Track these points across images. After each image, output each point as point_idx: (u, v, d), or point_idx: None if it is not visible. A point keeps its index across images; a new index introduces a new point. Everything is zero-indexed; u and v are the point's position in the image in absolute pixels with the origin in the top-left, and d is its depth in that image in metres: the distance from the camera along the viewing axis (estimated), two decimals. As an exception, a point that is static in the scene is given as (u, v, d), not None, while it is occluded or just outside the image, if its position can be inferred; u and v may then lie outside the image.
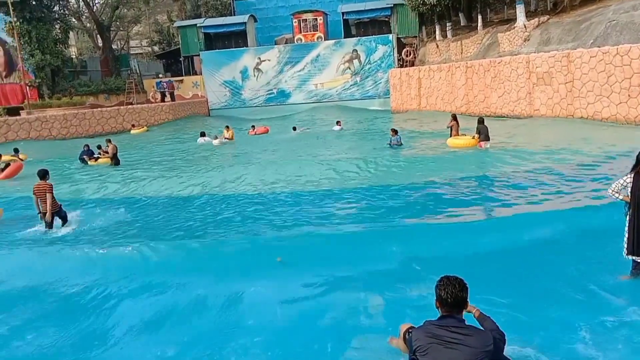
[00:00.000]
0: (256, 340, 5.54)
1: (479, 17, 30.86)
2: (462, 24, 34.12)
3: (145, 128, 32.98)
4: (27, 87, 37.01)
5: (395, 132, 18.24)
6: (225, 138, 24.01)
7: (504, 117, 23.39)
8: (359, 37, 40.18)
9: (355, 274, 6.92)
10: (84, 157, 20.36)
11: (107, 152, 20.01)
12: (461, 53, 31.22)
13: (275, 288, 6.89)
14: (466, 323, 3.49)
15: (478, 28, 30.63)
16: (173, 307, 6.69)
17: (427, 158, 15.64)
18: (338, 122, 24.93)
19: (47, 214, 9.74)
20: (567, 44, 22.14)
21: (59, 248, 8.85)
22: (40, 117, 31.26)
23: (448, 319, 3.47)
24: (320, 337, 5.32)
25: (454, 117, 18.12)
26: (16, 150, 22.09)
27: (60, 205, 10.19)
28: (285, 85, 40.89)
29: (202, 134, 24.53)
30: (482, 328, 3.63)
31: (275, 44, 41.75)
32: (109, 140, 20.20)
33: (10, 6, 33.99)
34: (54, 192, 9.98)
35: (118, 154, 19.53)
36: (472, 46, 30.36)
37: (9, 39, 37.36)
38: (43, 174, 10.01)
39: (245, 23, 40.90)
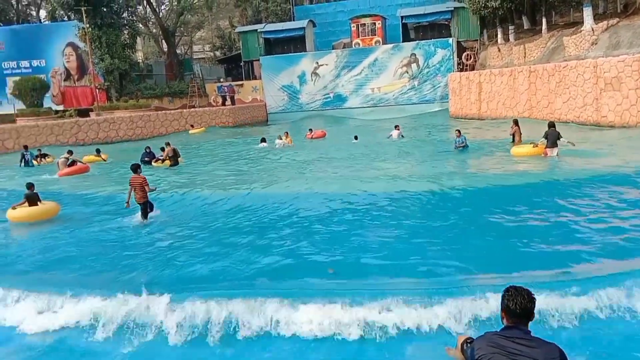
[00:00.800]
0: (312, 345, 5.59)
1: (544, 20, 29.88)
2: (525, 27, 33.14)
3: (203, 128, 33.89)
4: (97, 90, 38.92)
5: (459, 133, 17.89)
6: (284, 144, 24.29)
7: (569, 123, 22.53)
8: (417, 41, 39.80)
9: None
10: (146, 159, 20.38)
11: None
12: (524, 57, 30.32)
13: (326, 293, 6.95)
14: (532, 334, 3.41)
15: (542, 31, 29.65)
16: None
17: (487, 165, 15.26)
18: (396, 127, 24.12)
19: (144, 201, 10.91)
20: (638, 47, 21.08)
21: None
22: (109, 118, 32.78)
23: (513, 329, 3.38)
24: (375, 345, 5.32)
25: (516, 123, 17.60)
26: (98, 151, 23.22)
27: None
28: (342, 89, 41.03)
29: (263, 140, 24.77)
30: (548, 340, 3.53)
31: (333, 49, 42.00)
32: (168, 143, 20.58)
33: (83, 13, 35.93)
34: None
35: (177, 156, 19.77)
36: (535, 50, 29.44)
37: (81, 44, 39.45)
38: (135, 168, 11.10)
39: (304, 28, 41.39)
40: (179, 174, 18.04)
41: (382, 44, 40.03)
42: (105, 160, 22.31)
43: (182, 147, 23.22)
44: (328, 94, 41.29)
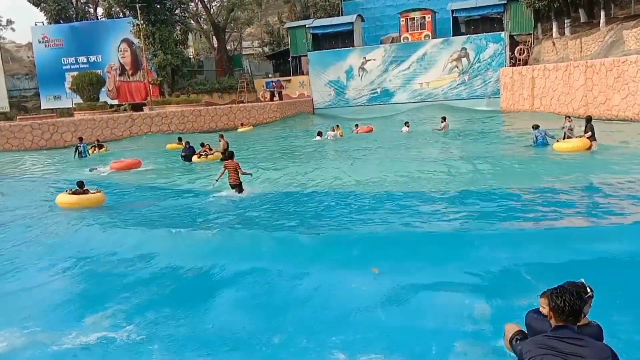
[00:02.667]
0: (358, 337, 5.62)
1: (602, 13, 28.66)
2: (582, 21, 31.88)
3: (251, 127, 34.35)
4: (150, 85, 40.09)
5: (536, 127, 17.16)
6: (335, 135, 24.80)
7: (628, 120, 21.61)
8: (468, 35, 38.98)
9: (459, 278, 6.79)
10: (186, 154, 20.14)
11: (211, 149, 20.05)
12: (580, 51, 29.21)
13: (377, 286, 6.96)
14: (582, 334, 3.33)
15: (600, 25, 28.46)
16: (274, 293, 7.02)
17: (541, 160, 14.87)
18: (443, 119, 23.75)
19: (237, 182, 12.67)
20: None
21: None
22: (161, 113, 33.74)
23: (563, 329, 3.31)
24: (423, 338, 5.29)
25: (568, 118, 17.06)
26: (179, 139, 24.13)
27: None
28: (390, 84, 40.71)
29: (319, 134, 25.05)
30: (598, 340, 3.44)
31: (381, 43, 41.69)
32: (222, 136, 20.67)
33: (137, 10, 37.04)
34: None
35: (228, 150, 19.37)
36: (592, 44, 28.30)
37: (135, 40, 40.69)
38: (231, 155, 13.03)
39: (352, 23, 41.27)
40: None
41: (432, 38, 39.45)
42: (222, 141, 22.93)
43: (234, 143, 23.63)
44: (375, 89, 41.06)
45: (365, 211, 10.67)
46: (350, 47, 41.62)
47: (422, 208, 10.55)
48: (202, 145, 20.48)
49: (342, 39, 42.51)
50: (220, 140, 20.32)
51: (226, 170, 12.58)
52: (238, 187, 12.66)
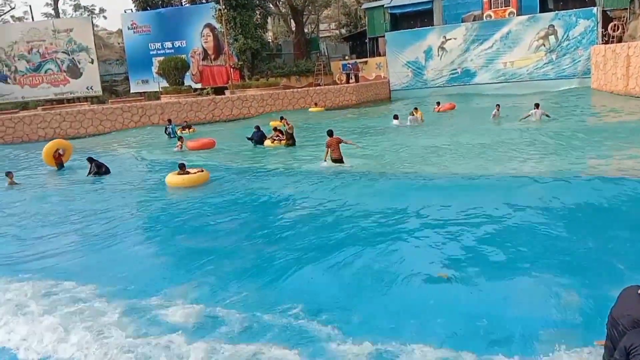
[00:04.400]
0: (439, 321, 5.61)
1: None
2: (688, -9, 29.19)
3: (322, 108, 34.39)
4: (231, 69, 41.18)
5: None
6: (415, 119, 24.08)
7: None
8: (556, 12, 36.79)
9: (548, 261, 6.56)
10: (254, 138, 20.20)
11: (282, 133, 19.74)
12: (685, 25, 26.78)
13: (458, 271, 6.88)
14: None
15: None
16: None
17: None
18: (537, 105, 21.86)
19: (340, 156, 14.02)
20: None
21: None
22: (241, 96, 34.67)
23: None
24: (506, 323, 5.18)
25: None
26: (281, 118, 24.88)
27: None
28: (471, 64, 39.36)
29: (395, 117, 24.61)
30: None
31: (463, 22, 40.28)
32: (283, 119, 20.20)
33: (220, -5, 38.04)
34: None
35: (293, 133, 19.32)
36: (700, 17, 25.86)
37: (217, 25, 41.83)
38: (331, 132, 14.18)
39: (432, 1, 40.16)
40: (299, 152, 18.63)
41: (517, 15, 37.62)
42: (287, 125, 23.52)
43: (305, 125, 23.90)
44: (455, 69, 39.88)
45: (452, 195, 10.53)
46: (430, 27, 40.59)
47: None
48: (275, 129, 20.39)
49: (421, 18, 41.51)
50: (285, 125, 19.82)
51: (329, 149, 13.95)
52: (340, 160, 13.99)
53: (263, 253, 8.29)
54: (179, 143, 21.02)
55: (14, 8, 55.47)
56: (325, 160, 14.06)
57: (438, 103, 27.55)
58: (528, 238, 7.60)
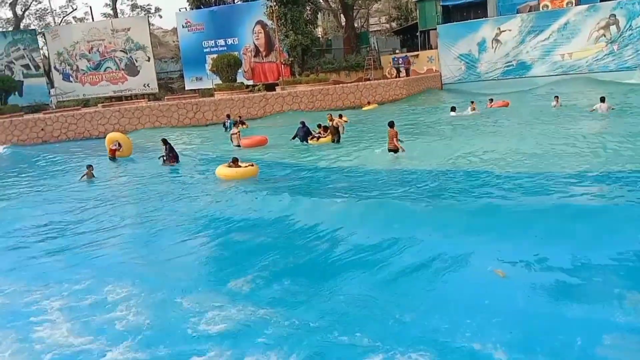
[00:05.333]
0: (494, 321, 5.52)
1: None
2: None
3: (375, 105, 34.20)
4: (282, 65, 41.54)
5: None
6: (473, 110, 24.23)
7: None
8: (618, 0, 35.15)
9: (609, 261, 6.34)
10: (299, 134, 20.10)
11: (326, 130, 19.56)
12: None
13: (515, 268, 6.75)
14: None
15: None
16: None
17: None
18: (602, 99, 20.89)
19: (395, 147, 14.98)
20: None
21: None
22: (292, 92, 34.96)
23: None
24: (567, 328, 5.06)
25: None
26: (340, 116, 25.40)
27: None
28: (526, 56, 38.18)
29: (453, 109, 24.49)
30: None
31: (518, 13, 39.09)
32: (331, 116, 20.11)
33: (271, -8, 38.44)
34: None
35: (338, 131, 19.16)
36: None
37: (269, 22, 42.29)
38: (392, 124, 15.07)
39: (486, -7, 39.21)
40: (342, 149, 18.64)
41: (575, 4, 36.18)
42: (347, 122, 23.70)
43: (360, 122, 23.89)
44: (510, 61, 38.78)
45: (511, 188, 10.35)
46: (484, 18, 39.63)
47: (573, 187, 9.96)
48: (319, 126, 20.23)
49: (474, 10, 40.56)
50: (330, 122, 19.79)
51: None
52: (395, 150, 14.91)
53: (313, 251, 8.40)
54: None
55: (75, 9, 57.99)
56: (382, 149, 15.19)
57: (491, 100, 26.97)
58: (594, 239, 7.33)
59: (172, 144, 18.67)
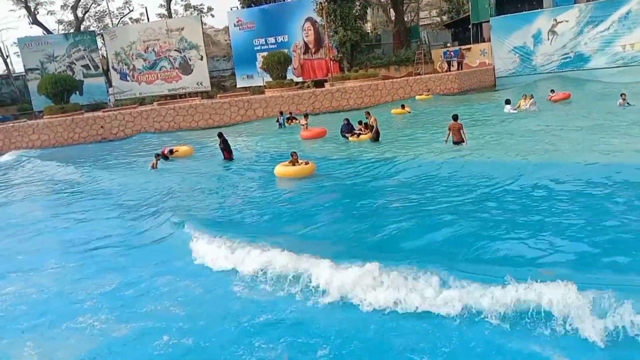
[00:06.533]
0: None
1: None
2: None
3: (430, 95, 33.82)
4: (331, 62, 41.65)
5: None
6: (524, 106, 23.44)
7: None
8: (686, -14, 33.31)
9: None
10: (344, 132, 20.34)
11: (367, 127, 19.51)
12: None
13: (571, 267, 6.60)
14: None
15: None
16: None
17: None
18: (622, 96, 19.93)
19: (461, 139, 15.76)
20: None
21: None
22: (341, 88, 35.03)
23: None
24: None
25: None
26: (402, 106, 25.91)
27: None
28: (585, 48, 36.73)
29: (507, 102, 24.02)
30: None
31: (575, 3, 37.65)
32: (368, 113, 19.91)
33: (320, -12, 38.60)
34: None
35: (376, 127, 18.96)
36: None
37: (318, 19, 42.47)
38: (456, 117, 15.91)
39: (541, -17, 37.98)
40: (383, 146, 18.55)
41: (638, -7, 34.54)
42: (409, 112, 25.48)
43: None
44: (567, 53, 37.42)
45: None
46: (539, 9, 38.40)
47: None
48: (360, 123, 20.27)
49: (529, 1, 39.37)
50: (368, 118, 19.64)
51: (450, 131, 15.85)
52: (459, 143, 15.66)
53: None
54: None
55: (132, 11, 59.94)
56: (446, 142, 15.81)
57: (552, 91, 26.18)
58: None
59: (226, 139, 19.23)
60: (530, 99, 23.45)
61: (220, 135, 19.30)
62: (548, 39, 37.87)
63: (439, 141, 16.59)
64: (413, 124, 23.61)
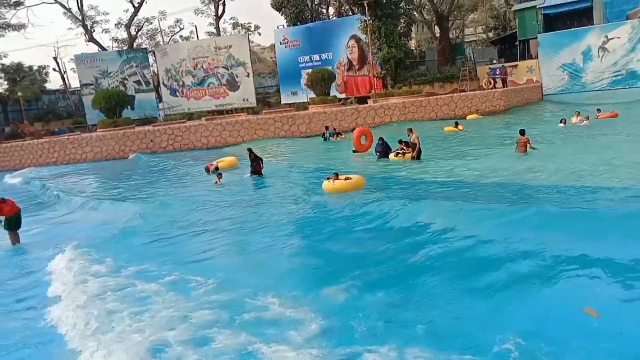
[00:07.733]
0: (604, 346, 5.35)
1: None
2: None
3: (480, 115, 33.43)
4: (375, 78, 41.87)
5: None
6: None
7: None
8: None
9: None
10: (378, 151, 20.00)
11: (408, 146, 18.83)
12: None
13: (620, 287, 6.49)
14: None
15: None
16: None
17: None
18: None
19: (524, 152, 17.24)
20: None
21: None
22: (384, 105, 35.14)
23: None
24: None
25: None
26: (456, 124, 26.51)
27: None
28: (637, 65, 35.68)
29: (563, 120, 24.46)
30: None
31: (628, 19, 36.69)
32: (411, 130, 19.05)
33: (365, 6, 38.99)
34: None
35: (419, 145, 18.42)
36: None
37: (362, 36, 42.87)
38: (523, 132, 17.59)
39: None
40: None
41: (695, 8, 33.44)
42: (462, 130, 25.82)
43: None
44: (619, 71, 36.42)
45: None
46: (589, 26, 37.59)
47: None
48: (400, 142, 19.45)
49: (578, 17, 38.63)
50: (410, 135, 18.84)
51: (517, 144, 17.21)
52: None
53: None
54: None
55: (182, 29, 61.93)
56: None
57: (599, 110, 25.80)
58: None
59: (257, 155, 18.98)
60: (583, 118, 24.30)
61: (250, 151, 19.13)
62: (598, 55, 37.00)
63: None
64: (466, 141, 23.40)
